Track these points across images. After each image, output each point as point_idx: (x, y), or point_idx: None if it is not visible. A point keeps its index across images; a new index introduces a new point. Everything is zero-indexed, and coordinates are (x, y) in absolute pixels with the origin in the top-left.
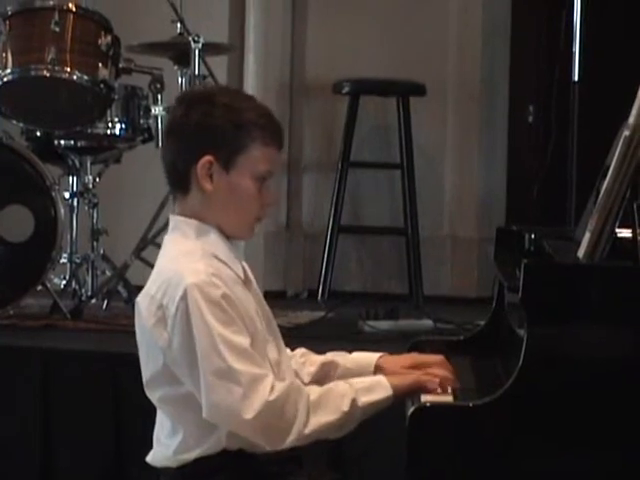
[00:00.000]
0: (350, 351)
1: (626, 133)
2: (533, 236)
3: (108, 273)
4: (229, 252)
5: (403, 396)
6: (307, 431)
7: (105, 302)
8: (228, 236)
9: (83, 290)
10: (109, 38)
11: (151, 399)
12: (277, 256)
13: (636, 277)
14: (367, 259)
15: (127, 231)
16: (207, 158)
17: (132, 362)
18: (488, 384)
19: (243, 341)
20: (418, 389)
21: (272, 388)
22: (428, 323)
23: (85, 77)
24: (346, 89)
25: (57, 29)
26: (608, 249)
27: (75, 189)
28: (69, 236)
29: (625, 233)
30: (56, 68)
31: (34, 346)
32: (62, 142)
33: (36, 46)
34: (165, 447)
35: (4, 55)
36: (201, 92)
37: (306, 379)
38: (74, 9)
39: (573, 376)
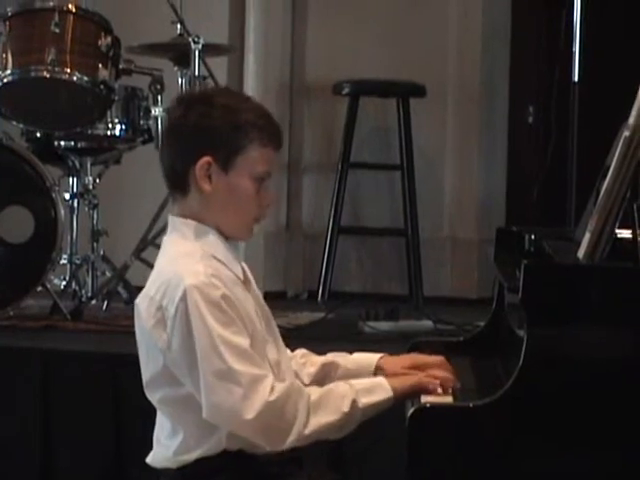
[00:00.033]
0: (350, 352)
1: (626, 133)
2: (533, 237)
3: (108, 274)
4: (228, 253)
5: (403, 398)
6: (307, 431)
7: (105, 303)
8: (227, 237)
9: (83, 291)
10: (109, 39)
11: (151, 400)
12: (277, 257)
13: (636, 278)
14: (367, 260)
15: (127, 232)
16: (206, 159)
17: (132, 363)
18: (488, 385)
19: (243, 342)
20: (419, 391)
21: (272, 389)
22: (428, 324)
23: (85, 78)
24: (346, 90)
25: (57, 30)
26: (608, 250)
27: (75, 190)
28: (69, 237)
29: (625, 234)
30: (56, 69)
31: (34, 347)
32: (62, 143)
33: (36, 47)
34: (165, 448)
35: (4, 56)
36: (199, 93)
37: (306, 380)
38: (74, 10)
39: (573, 376)
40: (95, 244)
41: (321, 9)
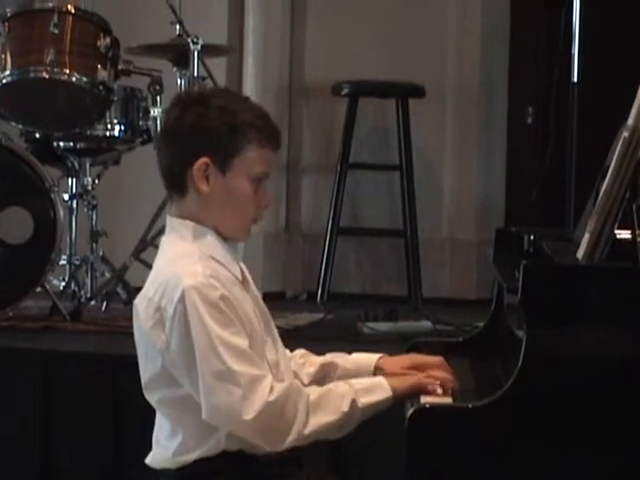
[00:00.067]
0: (349, 352)
1: (625, 134)
2: (532, 238)
3: (107, 275)
4: (226, 253)
5: (403, 397)
6: (307, 431)
7: (104, 304)
8: (225, 237)
9: (82, 292)
10: (108, 40)
11: (150, 401)
12: (276, 258)
13: (635, 278)
14: (366, 261)
15: (126, 233)
16: (203, 160)
17: (131, 364)
18: (487, 385)
19: (242, 342)
20: (418, 391)
21: (271, 389)
22: (427, 325)
23: (84, 79)
24: (345, 91)
25: (56, 31)
26: (607, 250)
27: (74, 191)
28: (68, 238)
29: (624, 234)
30: (55, 70)
31: (33, 348)
32: (61, 144)
33: (35, 48)
34: (164, 449)
35: (3, 57)
36: (196, 94)
37: (305, 380)
38: (73, 11)
39: (572, 377)
40: (94, 245)
41: (320, 10)
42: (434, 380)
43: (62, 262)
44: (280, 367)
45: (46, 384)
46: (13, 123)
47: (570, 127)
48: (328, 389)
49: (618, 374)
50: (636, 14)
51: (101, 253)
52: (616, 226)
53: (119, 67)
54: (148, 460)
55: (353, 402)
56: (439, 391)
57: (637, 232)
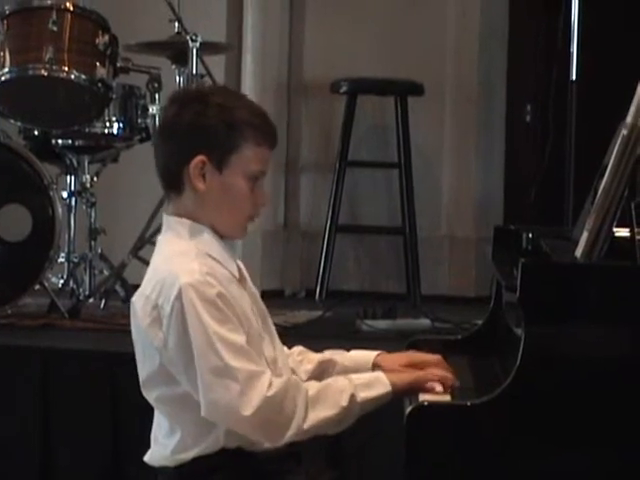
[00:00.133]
0: (348, 350)
1: (624, 132)
2: (531, 235)
3: (106, 272)
4: (223, 251)
5: (402, 393)
6: (306, 426)
7: (103, 301)
8: (221, 235)
9: (81, 289)
10: (107, 37)
11: (148, 399)
12: (275, 255)
13: (634, 276)
14: (365, 258)
15: (125, 230)
16: (200, 158)
17: (130, 361)
18: (486, 383)
19: (239, 339)
20: (417, 387)
21: (270, 384)
22: (426, 322)
23: (83, 76)
24: (344, 88)
25: (55, 28)
26: (606, 248)
27: (73, 188)
28: (67, 235)
29: (623, 232)
30: (54, 67)
31: (32, 345)
32: (60, 141)
33: (34, 45)
34: (163, 447)
35: (2, 54)
36: (194, 92)
37: (303, 377)
38: (72, 8)
39: (571, 375)
40: (93, 242)
41: (319, 8)
42: (433, 376)
43: (61, 260)
44: (278, 364)
45: (45, 382)
46: (12, 120)
47: (569, 125)
48: (327, 384)
49: (616, 372)
50: (634, 13)
51: (99, 251)
52: (614, 224)
53: (118, 65)
54: (147, 458)
55: (352, 397)
56: (438, 389)
57: (635, 230)
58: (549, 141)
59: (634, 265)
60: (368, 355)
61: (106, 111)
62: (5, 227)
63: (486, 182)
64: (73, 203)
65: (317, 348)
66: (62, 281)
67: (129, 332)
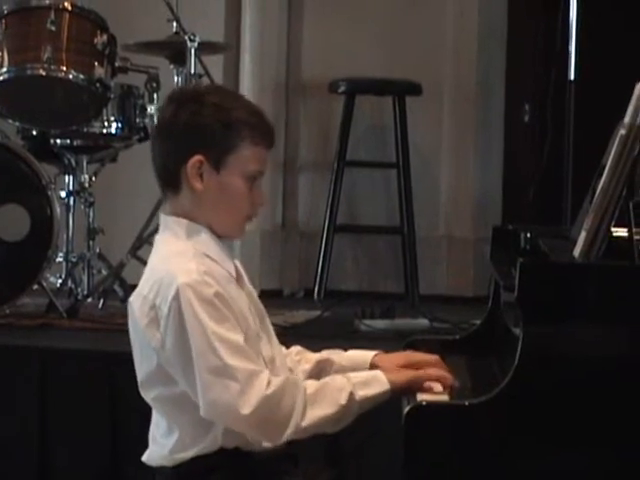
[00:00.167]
0: (346, 349)
1: (622, 132)
2: (529, 235)
3: (104, 272)
4: (220, 251)
5: (400, 391)
6: (304, 424)
7: (101, 301)
8: (219, 235)
9: (79, 289)
10: (105, 37)
11: (146, 399)
12: (273, 255)
13: (632, 276)
14: (363, 258)
15: (123, 230)
16: (197, 158)
17: (128, 361)
18: (484, 383)
19: (237, 338)
20: (415, 385)
21: (269, 383)
22: (424, 322)
23: (81, 76)
24: (342, 88)
25: (53, 28)
26: (604, 248)
27: (71, 188)
28: (65, 235)
29: (621, 232)
30: (52, 67)
31: (30, 345)
32: (58, 141)
33: (32, 45)
34: (161, 446)
35: (0, 54)
36: (191, 91)
37: (301, 377)
38: (70, 8)
39: (569, 375)
40: (91, 242)
41: (317, 7)
42: (431, 376)
43: (59, 259)
44: (276, 363)
45: (43, 381)
46: (10, 120)
47: (567, 125)
48: (325, 382)
49: (614, 372)
50: (633, 12)
51: (98, 250)
52: (613, 224)
53: (116, 64)
54: (145, 458)
55: (351, 395)
56: (437, 388)
57: (634, 230)
58: (547, 141)
59: (632, 265)
60: (366, 355)
61: (104, 111)
62: (3, 227)
63: (484, 182)
64: (71, 203)
65: (315, 348)
66: (60, 281)
67: (127, 332)
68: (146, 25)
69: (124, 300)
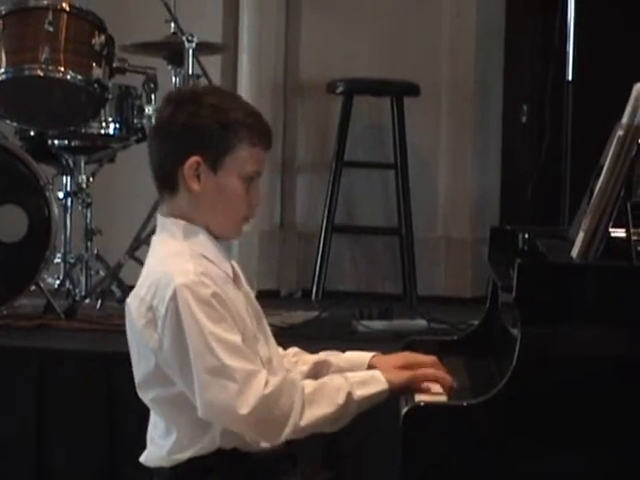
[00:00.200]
0: (343, 351)
1: (620, 133)
2: (527, 236)
3: (102, 273)
4: (217, 252)
5: (398, 391)
6: (303, 423)
7: (99, 302)
8: (216, 236)
9: (77, 290)
10: (103, 38)
11: (143, 400)
12: (271, 256)
13: (629, 277)
14: (361, 259)
15: (121, 231)
16: (194, 159)
17: (126, 362)
18: (482, 384)
19: (235, 338)
20: (414, 385)
21: (266, 382)
22: (422, 323)
23: (79, 77)
24: (340, 89)
25: (51, 29)
26: (602, 249)
27: (69, 189)
28: (63, 236)
29: (619, 233)
30: (50, 68)
31: (28, 346)
32: (56, 142)
33: (30, 46)
34: (159, 447)
35: None
36: (188, 92)
37: (299, 378)
38: (68, 9)
39: (567, 375)
40: (89, 243)
41: (315, 8)
42: (429, 375)
43: (57, 260)
44: (273, 364)
45: (41, 382)
46: (8, 121)
47: (565, 125)
48: (323, 382)
49: (612, 372)
50: (631, 12)
51: (96, 251)
52: (610, 224)
53: (114, 65)
54: (142, 459)
55: (349, 394)
56: (436, 389)
57: (631, 230)
58: (545, 141)
59: (630, 265)
60: (363, 356)
61: (102, 111)
62: (1, 228)
63: (482, 182)
64: (69, 204)
65: (313, 349)
66: (58, 282)
67: (125, 333)
68: (144, 26)
69: (122, 301)
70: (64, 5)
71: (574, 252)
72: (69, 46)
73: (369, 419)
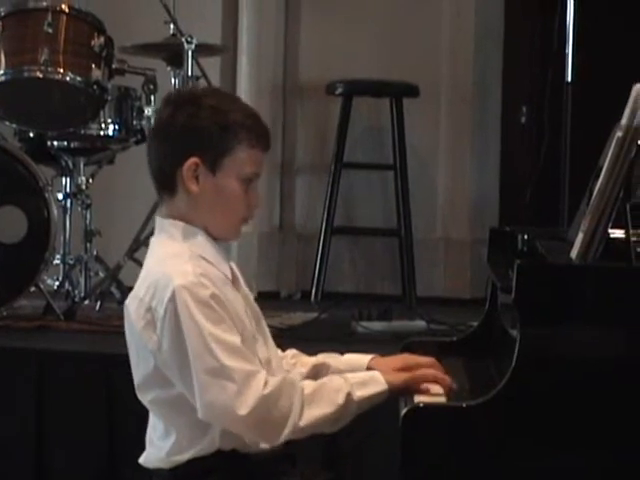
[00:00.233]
0: (343, 352)
1: (619, 134)
2: (526, 237)
3: (101, 274)
4: (216, 253)
5: (398, 392)
6: (302, 424)
7: (98, 303)
8: (215, 238)
9: (76, 291)
10: (102, 39)
11: (143, 402)
12: (270, 257)
13: (629, 278)
14: (360, 260)
15: (120, 232)
16: (193, 160)
17: (125, 363)
18: (481, 385)
19: (234, 339)
20: (413, 386)
21: (266, 383)
22: (421, 324)
23: (78, 78)
24: (339, 90)
25: (50, 30)
26: (601, 250)
27: (68, 190)
28: (62, 237)
29: (618, 234)
30: (49, 69)
31: (27, 347)
32: (55, 143)
33: (29, 47)
34: (158, 449)
35: None
36: (187, 94)
37: (298, 379)
38: (67, 10)
39: (566, 376)
40: (88, 244)
41: (314, 9)
42: (429, 376)
43: (56, 261)
44: (272, 365)
45: (40, 383)
46: (7, 122)
47: (564, 127)
48: (323, 383)
49: (612, 373)
50: (630, 14)
51: (95, 252)
52: (610, 225)
53: (113, 66)
54: (142, 460)
55: (348, 395)
56: (436, 390)
57: (630, 232)
58: (544, 142)
59: (629, 266)
60: (362, 359)
61: (101, 113)
62: (0, 229)
63: (481, 183)
64: (68, 205)
65: (312, 350)
66: (57, 283)
67: (125, 334)
68: (143, 27)
69: (121, 302)
70: (63, 7)
71: (573, 253)
72: (68, 47)
73: (369, 420)
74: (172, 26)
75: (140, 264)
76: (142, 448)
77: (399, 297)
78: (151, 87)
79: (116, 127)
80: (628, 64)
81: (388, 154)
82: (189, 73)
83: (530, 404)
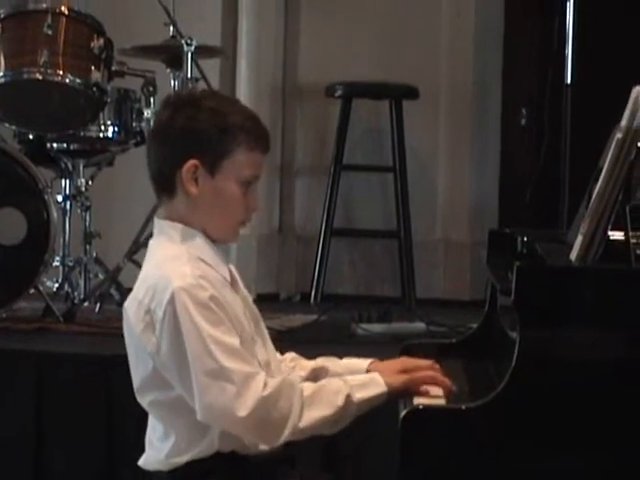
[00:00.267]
0: (342, 354)
1: (618, 136)
2: (525, 239)
3: (101, 276)
4: (215, 255)
5: (397, 394)
6: (302, 425)
7: (98, 305)
8: (213, 240)
9: (76, 293)
10: (102, 41)
11: (142, 404)
12: (270, 259)
13: (628, 280)
14: (360, 262)
15: (120, 234)
16: (192, 162)
17: (124, 365)
18: (481, 387)
19: (233, 340)
20: (412, 388)
21: (265, 384)
22: (421, 326)
23: (78, 80)
24: (339, 92)
25: (50, 32)
26: (600, 252)
27: (68, 192)
28: (62, 239)
29: (617, 236)
30: (49, 71)
31: (27, 349)
32: (55, 145)
33: (29, 49)
34: (157, 451)
35: None
36: (187, 96)
37: (298, 380)
38: (67, 12)
39: (565, 378)
40: (88, 246)
41: (313, 12)
42: (428, 378)
43: (55, 263)
44: (271, 367)
45: (39, 385)
46: (6, 124)
47: (564, 128)
48: (322, 384)
49: (611, 375)
50: (630, 15)
51: (94, 254)
52: (609, 228)
53: (112, 68)
54: (141, 462)
55: (348, 397)
56: (435, 392)
57: (630, 233)
58: (544, 143)
59: (629, 269)
60: (361, 363)
61: (101, 115)
62: (0, 231)
63: (481, 184)
64: (68, 207)
65: (312, 352)
66: (57, 285)
67: (124, 336)
68: (143, 29)
69: (121, 304)
70: (63, 9)
71: (573, 255)
72: (68, 49)
73: (368, 422)
74: (172, 28)
75: (139, 266)
76: (141, 450)
77: (399, 299)
78: (150, 89)
79: (115, 129)
80: (628, 65)
81: (388, 156)
82: (189, 75)
83: (530, 406)
